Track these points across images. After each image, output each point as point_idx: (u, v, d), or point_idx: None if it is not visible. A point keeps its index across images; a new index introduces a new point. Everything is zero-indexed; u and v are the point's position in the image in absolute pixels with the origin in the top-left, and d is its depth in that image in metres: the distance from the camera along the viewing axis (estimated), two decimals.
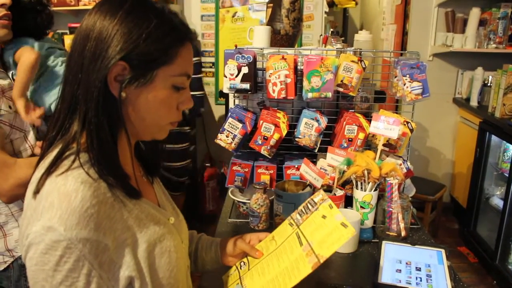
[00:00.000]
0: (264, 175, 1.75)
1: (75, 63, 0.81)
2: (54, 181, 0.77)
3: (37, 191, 0.78)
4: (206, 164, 3.92)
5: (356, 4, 5.79)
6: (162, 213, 0.96)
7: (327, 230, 0.99)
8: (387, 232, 1.55)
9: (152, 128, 0.89)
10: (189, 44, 0.88)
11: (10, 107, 1.40)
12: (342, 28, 6.17)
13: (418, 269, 1.30)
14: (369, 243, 1.55)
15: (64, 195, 0.74)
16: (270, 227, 1.63)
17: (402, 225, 1.52)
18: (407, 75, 1.60)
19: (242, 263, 1.13)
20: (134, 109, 0.84)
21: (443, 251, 1.38)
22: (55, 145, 0.84)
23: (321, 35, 2.86)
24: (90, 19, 0.82)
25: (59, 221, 0.72)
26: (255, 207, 1.60)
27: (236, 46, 1.68)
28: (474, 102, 3.62)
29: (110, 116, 0.81)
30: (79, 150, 0.80)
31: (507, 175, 2.89)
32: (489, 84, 3.51)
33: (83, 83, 0.80)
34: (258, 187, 1.60)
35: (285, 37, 2.15)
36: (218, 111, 4.04)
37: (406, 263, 1.33)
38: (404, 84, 1.60)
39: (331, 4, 5.49)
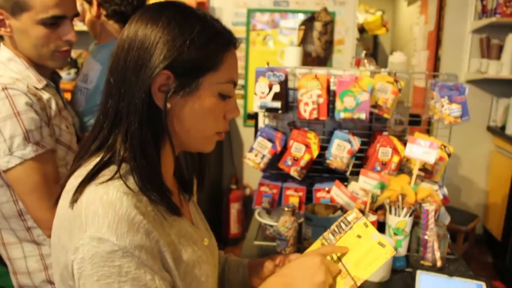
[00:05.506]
0: (293, 197, 1.70)
1: (117, 76, 0.79)
2: (94, 190, 0.73)
3: (74, 201, 0.74)
4: (232, 187, 3.89)
5: (387, 30, 5.77)
6: (198, 233, 0.92)
7: (363, 250, 0.93)
8: (422, 262, 1.47)
9: (198, 139, 0.86)
10: (234, 49, 0.85)
11: (67, 127, 1.36)
12: (372, 55, 6.14)
13: None
14: (402, 272, 1.47)
15: (108, 203, 0.71)
16: (298, 251, 1.57)
17: (438, 254, 1.44)
18: (446, 97, 1.54)
19: None
20: (179, 120, 0.81)
21: (483, 284, 1.30)
22: (94, 154, 0.82)
23: (354, 57, 2.82)
24: (131, 28, 0.79)
25: (108, 231, 0.69)
26: (283, 230, 1.54)
27: (268, 63, 1.66)
28: (510, 131, 3.50)
29: (155, 129, 0.78)
30: (122, 161, 0.78)
31: None
32: None
33: (126, 96, 0.77)
34: (286, 209, 1.54)
35: (317, 59, 2.12)
36: (246, 133, 4.02)
37: None
38: (443, 106, 1.55)
39: (361, 31, 5.48)
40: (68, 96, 1.61)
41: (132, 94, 0.77)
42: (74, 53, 3.81)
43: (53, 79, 1.41)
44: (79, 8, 1.60)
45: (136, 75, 0.77)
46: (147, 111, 0.77)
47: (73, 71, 3.68)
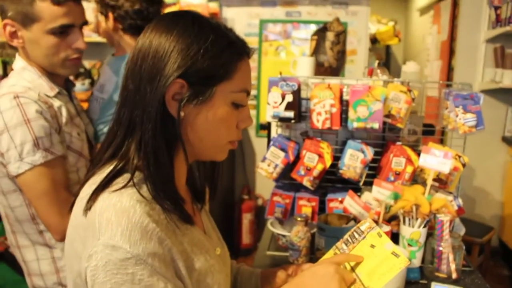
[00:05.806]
0: (306, 207, 1.69)
1: (131, 84, 0.80)
2: (108, 198, 0.74)
3: (88, 208, 0.75)
4: (244, 197, 3.88)
5: (399, 41, 5.75)
6: (210, 242, 0.92)
7: (377, 260, 0.92)
8: (437, 273, 1.45)
9: (211, 148, 0.86)
10: (247, 59, 0.86)
11: (78, 134, 1.38)
12: (384, 65, 6.12)
13: None
14: (416, 284, 1.45)
15: (121, 211, 0.72)
16: (311, 262, 1.56)
17: (453, 266, 1.42)
18: (460, 106, 1.53)
19: None
20: (192, 129, 0.82)
21: None
22: (108, 162, 0.82)
23: (366, 67, 2.81)
24: (145, 37, 0.80)
25: (122, 238, 0.69)
26: (296, 240, 1.53)
27: (280, 73, 1.66)
28: None
29: (168, 137, 0.79)
30: (135, 169, 0.78)
31: None
32: None
33: (140, 104, 0.78)
34: (299, 219, 1.54)
35: (329, 69, 2.12)
36: (258, 143, 4.02)
37: None
38: (457, 116, 1.53)
39: (373, 41, 5.47)
40: (85, 105, 1.63)
41: (146, 103, 0.77)
42: (88, 64, 3.85)
43: (66, 86, 1.44)
44: (93, 19, 1.62)
45: (150, 83, 0.77)
46: (161, 120, 0.78)
47: (87, 81, 3.72)
